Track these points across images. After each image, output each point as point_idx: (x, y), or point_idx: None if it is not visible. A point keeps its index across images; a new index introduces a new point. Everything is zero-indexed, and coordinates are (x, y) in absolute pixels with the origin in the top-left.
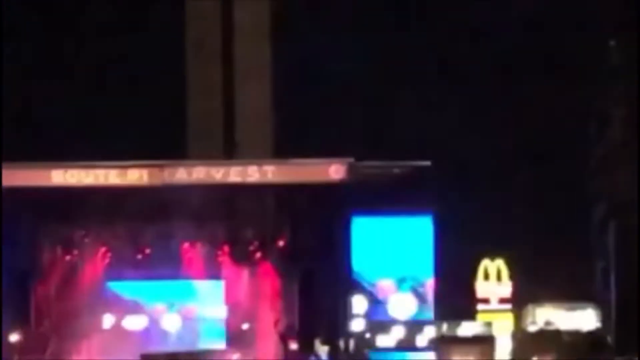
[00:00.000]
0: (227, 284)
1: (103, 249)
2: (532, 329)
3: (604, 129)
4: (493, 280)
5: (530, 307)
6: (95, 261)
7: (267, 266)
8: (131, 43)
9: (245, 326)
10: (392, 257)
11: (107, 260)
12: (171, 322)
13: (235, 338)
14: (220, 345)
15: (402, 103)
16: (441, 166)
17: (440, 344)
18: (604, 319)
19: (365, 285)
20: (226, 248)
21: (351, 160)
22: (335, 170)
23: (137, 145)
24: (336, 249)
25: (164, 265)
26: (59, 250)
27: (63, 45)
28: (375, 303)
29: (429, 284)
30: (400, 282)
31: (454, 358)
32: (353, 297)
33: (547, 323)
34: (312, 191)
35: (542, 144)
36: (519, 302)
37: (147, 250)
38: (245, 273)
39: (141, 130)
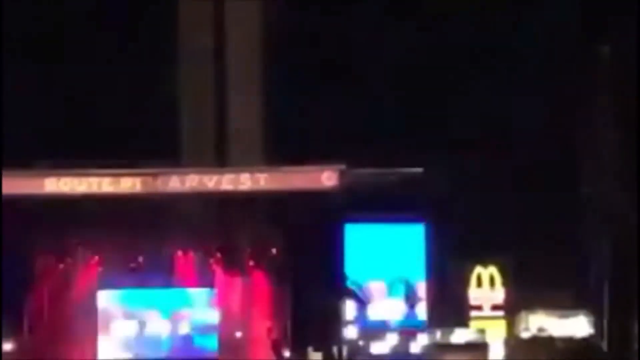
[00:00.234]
0: (220, 291)
1: (96, 257)
2: (525, 335)
3: (599, 134)
4: (486, 287)
5: (523, 314)
6: (88, 269)
7: (259, 274)
8: (122, 51)
9: (237, 334)
10: (384, 264)
11: (100, 269)
12: (163, 330)
13: (227, 346)
14: (212, 353)
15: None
16: (434, 173)
17: (434, 351)
18: (597, 325)
19: (358, 292)
20: (219, 256)
21: (343, 167)
22: (327, 177)
23: (130, 154)
24: (329, 256)
25: (157, 273)
26: (52, 259)
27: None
28: (368, 310)
29: (422, 291)
30: (393, 289)
31: None
32: (346, 304)
33: (540, 330)
34: (305, 198)
35: (535, 151)
36: (512, 309)
37: (140, 259)
38: (237, 281)
39: (134, 138)
